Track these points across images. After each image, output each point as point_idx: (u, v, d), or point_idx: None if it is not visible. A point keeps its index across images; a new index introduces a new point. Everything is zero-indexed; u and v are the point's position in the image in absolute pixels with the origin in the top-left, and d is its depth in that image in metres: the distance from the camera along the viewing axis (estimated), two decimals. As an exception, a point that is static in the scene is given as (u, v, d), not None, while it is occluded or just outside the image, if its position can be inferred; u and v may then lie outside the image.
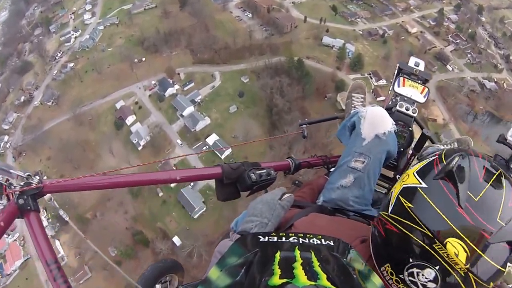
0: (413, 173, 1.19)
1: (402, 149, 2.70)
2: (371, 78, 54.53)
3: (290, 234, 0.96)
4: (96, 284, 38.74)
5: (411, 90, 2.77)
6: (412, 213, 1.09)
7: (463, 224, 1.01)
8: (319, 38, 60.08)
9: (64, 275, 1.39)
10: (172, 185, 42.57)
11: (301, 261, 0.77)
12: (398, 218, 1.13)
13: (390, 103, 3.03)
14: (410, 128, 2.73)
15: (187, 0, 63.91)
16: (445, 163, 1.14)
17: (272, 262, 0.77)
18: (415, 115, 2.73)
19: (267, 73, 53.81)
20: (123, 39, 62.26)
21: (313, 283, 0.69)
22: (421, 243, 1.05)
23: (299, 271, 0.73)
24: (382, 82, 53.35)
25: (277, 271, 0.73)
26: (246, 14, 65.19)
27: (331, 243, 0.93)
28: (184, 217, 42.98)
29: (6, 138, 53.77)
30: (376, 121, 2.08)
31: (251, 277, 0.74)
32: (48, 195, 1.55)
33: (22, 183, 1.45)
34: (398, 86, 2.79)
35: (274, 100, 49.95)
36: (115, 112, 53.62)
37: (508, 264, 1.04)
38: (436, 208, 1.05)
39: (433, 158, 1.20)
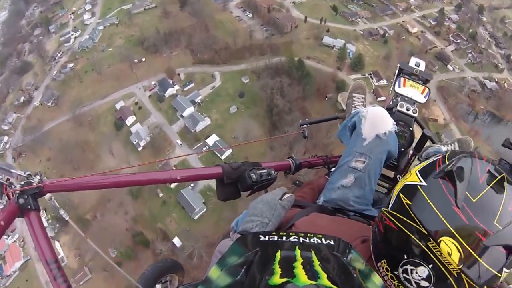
0: (415, 171, 1.20)
1: (402, 149, 2.71)
2: (372, 78, 54.51)
3: (291, 234, 0.95)
4: (96, 285, 38.72)
5: (411, 90, 2.78)
6: (409, 210, 1.10)
7: (459, 224, 1.01)
8: (319, 38, 60.04)
9: (64, 274, 1.39)
10: (172, 185, 42.57)
11: (302, 260, 0.77)
12: (397, 214, 1.14)
13: (390, 103, 3.02)
14: (411, 128, 2.73)
15: (187, 0, 63.91)
16: (447, 163, 1.14)
17: (272, 261, 0.77)
18: (415, 115, 2.73)
19: (267, 74, 53.76)
20: (123, 39, 62.15)
21: (313, 282, 0.69)
22: (416, 240, 1.06)
23: (299, 270, 0.73)
24: (383, 82, 53.34)
25: (278, 270, 0.73)
26: (246, 14, 65.15)
27: (332, 243, 0.93)
28: (184, 218, 42.91)
29: (5, 138, 53.68)
30: (376, 121, 2.08)
31: (252, 276, 0.74)
32: (49, 194, 1.55)
33: (22, 183, 1.45)
34: (399, 86, 2.80)
35: (274, 101, 49.93)
36: (115, 113, 53.53)
37: (505, 269, 1.02)
38: (433, 206, 1.06)
39: (437, 158, 1.21)
